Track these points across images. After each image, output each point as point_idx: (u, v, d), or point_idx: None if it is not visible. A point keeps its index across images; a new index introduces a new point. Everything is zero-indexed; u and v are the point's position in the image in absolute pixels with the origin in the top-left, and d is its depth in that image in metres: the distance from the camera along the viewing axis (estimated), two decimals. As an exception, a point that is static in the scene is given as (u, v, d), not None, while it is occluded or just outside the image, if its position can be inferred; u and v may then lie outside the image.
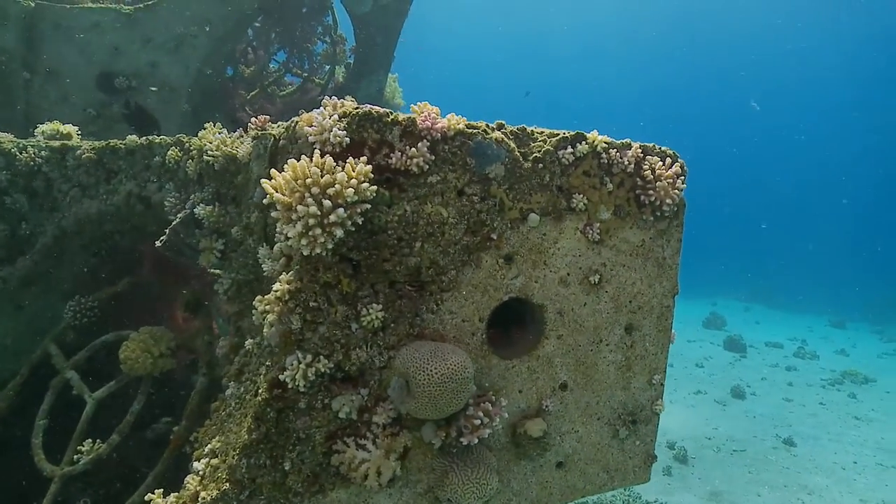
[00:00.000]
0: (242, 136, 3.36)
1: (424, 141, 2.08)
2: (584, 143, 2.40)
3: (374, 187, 1.92)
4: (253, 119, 2.94)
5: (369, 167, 1.91)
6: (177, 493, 2.35)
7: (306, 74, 10.01)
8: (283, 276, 2.08)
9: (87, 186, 4.15)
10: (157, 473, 3.15)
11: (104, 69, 7.07)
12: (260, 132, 2.93)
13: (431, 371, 2.00)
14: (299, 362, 2.03)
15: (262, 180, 1.94)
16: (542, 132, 2.41)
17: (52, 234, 4.16)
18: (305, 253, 1.88)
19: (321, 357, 2.07)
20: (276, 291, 2.08)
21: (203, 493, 2.19)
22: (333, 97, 2.15)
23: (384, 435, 2.17)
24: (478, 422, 2.17)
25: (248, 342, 2.54)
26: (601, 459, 2.71)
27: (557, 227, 2.40)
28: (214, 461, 2.34)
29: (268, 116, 2.96)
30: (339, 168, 1.89)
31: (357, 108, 2.07)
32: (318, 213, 1.79)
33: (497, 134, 2.27)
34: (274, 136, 2.66)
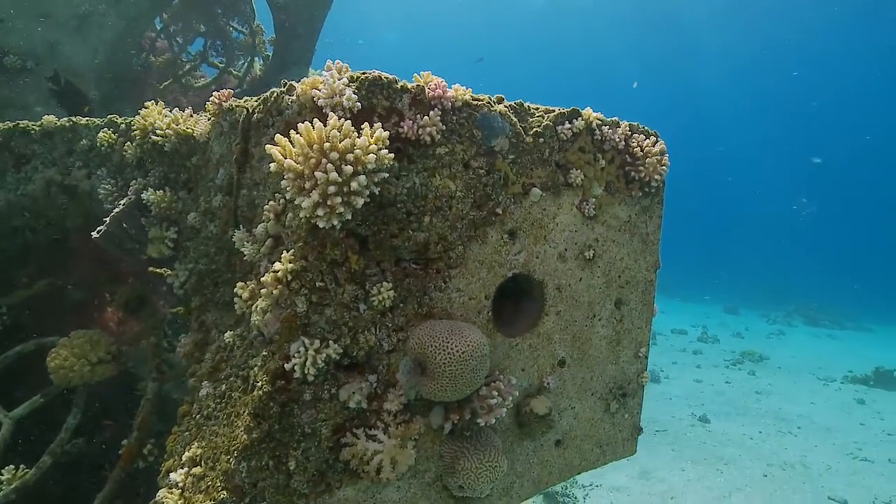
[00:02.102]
0: (193, 115, 3.05)
1: (436, 110, 1.98)
2: (579, 119, 2.41)
3: (392, 155, 1.80)
4: (215, 94, 2.66)
5: (386, 133, 1.78)
6: (150, 512, 2.06)
7: (223, 65, 9.40)
8: (285, 255, 1.88)
9: (-7, 173, 3.58)
10: (106, 496, 2.75)
11: (-9, 45, 6.17)
12: (223, 108, 2.67)
13: (452, 349, 1.91)
14: (306, 349, 1.85)
15: (268, 146, 1.75)
16: (538, 108, 2.40)
17: (-51, 230, 3.55)
18: (322, 225, 1.71)
19: (329, 342, 1.89)
20: (277, 272, 1.88)
21: (189, 506, 1.93)
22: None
23: (396, 423, 2.03)
24: (493, 401, 2.10)
25: (228, 335, 2.29)
26: (595, 435, 2.74)
27: (556, 203, 2.40)
28: (197, 470, 2.08)
29: (231, 91, 2.70)
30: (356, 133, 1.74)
31: (364, 73, 1.93)
32: (339, 179, 1.63)
33: (501, 107, 2.22)
34: (246, 109, 2.43)
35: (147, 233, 3.00)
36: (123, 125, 3.32)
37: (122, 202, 2.95)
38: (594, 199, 2.49)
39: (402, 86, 1.97)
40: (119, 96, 6.76)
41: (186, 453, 2.19)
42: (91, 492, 3.84)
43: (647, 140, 2.60)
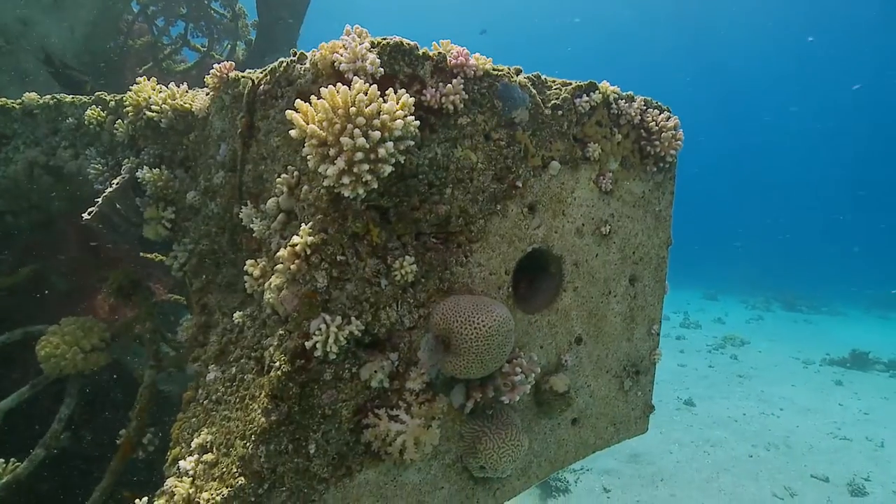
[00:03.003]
0: (189, 91, 2.91)
1: (458, 78, 1.90)
2: (596, 92, 2.36)
3: (418, 122, 1.72)
4: (216, 66, 2.53)
5: (413, 100, 1.70)
6: (161, 502, 1.97)
7: (205, 49, 9.10)
8: (304, 228, 1.79)
9: (-27, 152, 3.39)
10: (105, 488, 2.63)
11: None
12: (224, 81, 2.54)
13: (479, 324, 1.85)
14: (327, 326, 1.77)
15: (289, 112, 1.65)
16: (555, 81, 2.34)
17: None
18: (347, 194, 1.62)
19: (351, 318, 1.82)
20: (295, 246, 1.79)
21: (204, 495, 1.84)
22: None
23: (419, 402, 1.97)
24: (517, 378, 2.05)
25: (237, 315, 2.19)
26: (609, 413, 2.72)
27: (574, 177, 2.34)
28: (208, 457, 1.99)
29: (232, 63, 2.57)
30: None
31: (384, 38, 1.84)
32: (367, 146, 1.54)
33: (521, 78, 2.15)
34: (252, 80, 2.31)
35: (142, 213, 2.87)
36: (113, 102, 3.16)
37: (115, 181, 2.80)
38: (611, 174, 2.45)
39: (423, 53, 1.89)
40: (98, 79, 6.48)
41: (196, 440, 2.09)
42: (81, 486, 3.71)
43: (661, 115, 2.55)
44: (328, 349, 1.75)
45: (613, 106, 2.42)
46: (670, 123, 2.54)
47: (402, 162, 1.75)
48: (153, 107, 2.76)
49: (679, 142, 2.55)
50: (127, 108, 2.89)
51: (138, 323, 3.08)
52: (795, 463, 9.00)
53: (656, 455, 9.45)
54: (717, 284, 27.16)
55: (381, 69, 1.76)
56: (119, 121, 3.03)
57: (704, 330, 18.82)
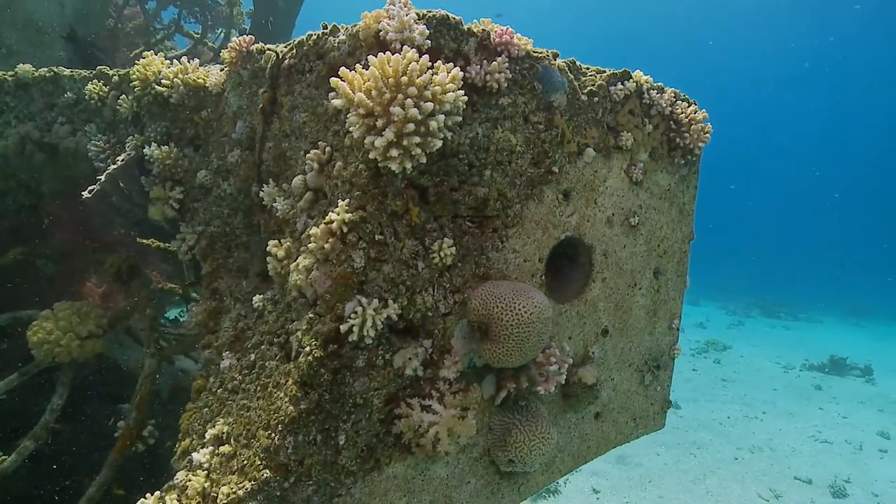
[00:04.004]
0: (200, 67, 2.78)
1: (503, 56, 1.82)
2: (630, 80, 2.31)
3: (466, 98, 1.63)
4: (234, 40, 2.42)
5: (461, 74, 1.61)
6: (172, 497, 1.85)
7: (198, 35, 8.87)
8: (341, 205, 1.69)
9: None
10: (103, 483, 2.48)
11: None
12: (243, 55, 2.43)
13: (520, 310, 1.77)
14: (364, 309, 1.67)
15: (334, 80, 1.55)
16: (589, 68, 2.28)
17: None
18: (395, 168, 1.53)
19: (388, 301, 1.72)
20: (330, 223, 1.69)
21: (223, 489, 1.73)
22: None
23: (452, 391, 1.88)
24: (552, 368, 1.98)
25: (257, 298, 2.08)
26: (630, 407, 2.67)
27: (607, 165, 2.29)
28: (225, 448, 1.88)
29: (252, 37, 2.46)
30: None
31: (429, 11, 1.76)
32: (419, 117, 1.46)
33: (559, 62, 2.09)
34: (276, 53, 2.20)
35: (146, 193, 2.73)
36: (116, 77, 3.00)
37: (119, 158, 2.66)
38: (641, 164, 2.40)
39: (468, 28, 1.81)
40: (88, 59, 6.24)
41: (210, 431, 1.98)
42: (59, 482, 3.52)
43: (690, 108, 2.52)
44: (365, 333, 1.66)
45: (645, 96, 2.38)
46: (699, 116, 2.51)
47: (448, 139, 1.67)
48: (163, 81, 2.63)
49: (708, 135, 2.52)
50: (133, 83, 2.74)
51: (138, 310, 2.93)
52: (779, 465, 9.13)
53: (643, 457, 9.49)
54: (698, 290, 27.56)
55: (429, 41, 1.67)
56: (123, 96, 2.89)
57: (687, 334, 19.06)
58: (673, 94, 2.48)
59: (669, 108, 2.45)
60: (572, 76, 2.14)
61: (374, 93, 1.49)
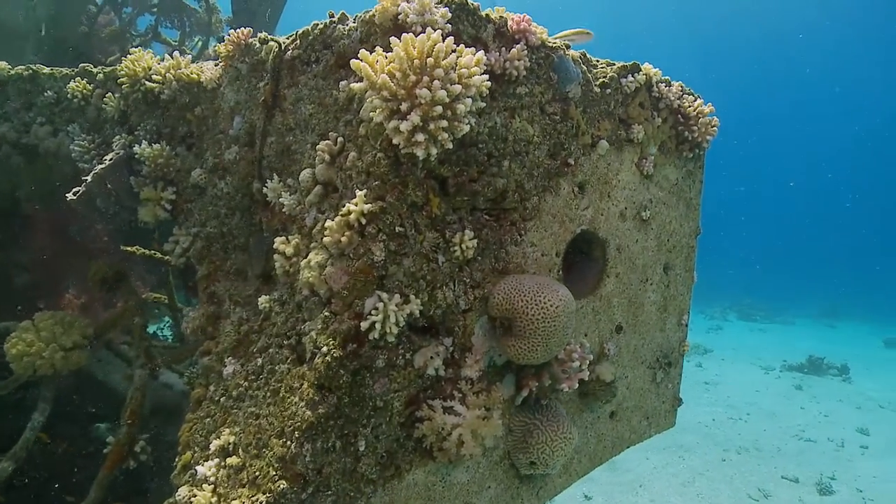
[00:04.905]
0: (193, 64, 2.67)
1: (521, 44, 1.77)
2: (640, 73, 2.29)
3: (489, 83, 1.57)
4: (232, 32, 2.32)
5: (484, 58, 1.55)
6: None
7: (175, 42, 8.69)
8: (359, 196, 1.60)
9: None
10: (94, 502, 2.31)
11: None
12: (241, 48, 2.33)
13: (545, 304, 1.70)
14: (385, 305, 1.58)
15: (354, 62, 1.47)
16: (599, 60, 2.26)
17: None
18: (420, 154, 1.45)
19: (410, 297, 1.64)
20: (347, 215, 1.60)
21: (234, 503, 1.61)
22: None
23: (474, 391, 1.80)
24: (575, 364, 1.92)
25: (263, 300, 1.97)
26: (643, 406, 2.62)
27: (619, 158, 2.25)
28: (233, 460, 1.75)
29: (251, 29, 2.37)
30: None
31: None
32: (446, 99, 1.39)
33: (574, 53, 2.05)
34: (279, 44, 2.12)
35: (136, 195, 2.59)
36: (101, 75, 2.87)
37: (107, 157, 2.52)
38: (652, 157, 2.37)
39: (486, 14, 1.76)
40: (63, 64, 6.02)
41: (215, 442, 1.85)
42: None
43: (697, 101, 2.51)
44: (387, 330, 1.57)
45: (654, 89, 2.35)
46: (706, 109, 2.50)
47: (472, 125, 1.60)
48: (154, 77, 2.51)
49: (715, 128, 2.52)
50: (121, 80, 2.62)
51: (126, 319, 2.77)
52: (766, 465, 9.21)
53: (632, 462, 9.47)
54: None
55: (450, 25, 1.61)
56: (109, 94, 2.75)
57: (667, 339, 19.24)
58: (680, 88, 2.46)
59: (678, 102, 2.43)
60: (584, 67, 2.11)
61: (398, 75, 1.41)
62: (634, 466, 9.33)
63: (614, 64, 2.25)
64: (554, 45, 1.95)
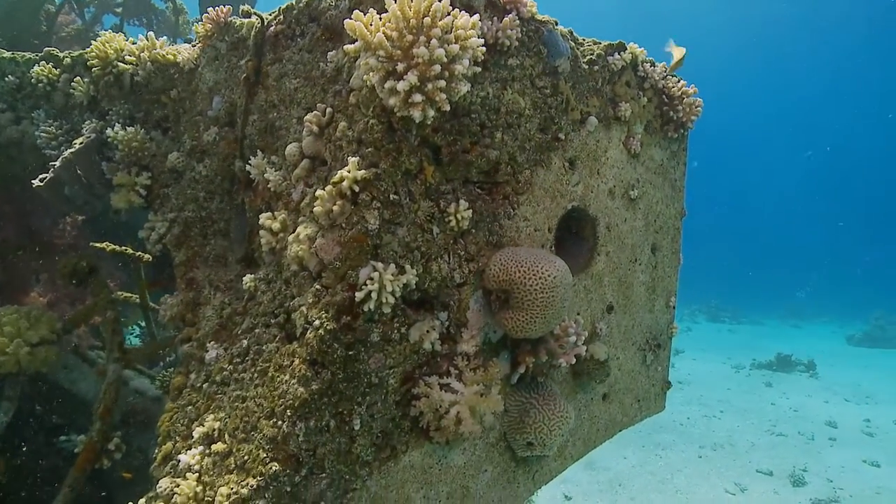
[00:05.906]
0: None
1: (513, 14, 1.76)
2: (626, 51, 2.30)
3: (484, 47, 1.55)
4: (210, 10, 2.24)
5: (479, 21, 1.53)
6: None
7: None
8: (351, 162, 1.55)
9: None
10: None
11: None
12: (220, 26, 2.26)
13: (544, 274, 1.67)
14: (380, 275, 1.53)
15: (348, 22, 1.42)
16: (585, 39, 2.26)
17: None
18: (416, 116, 1.41)
19: (405, 267, 1.59)
20: (339, 183, 1.54)
21: (221, 490, 1.52)
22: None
23: (471, 367, 1.75)
24: (572, 339, 1.89)
25: (248, 279, 1.88)
26: (634, 388, 2.61)
27: (607, 136, 2.26)
28: (219, 447, 1.66)
29: (230, 7, 2.29)
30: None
31: None
32: (444, 59, 1.35)
33: (561, 28, 2.05)
34: (261, 18, 2.05)
35: (108, 181, 2.47)
36: (69, 59, 2.74)
37: (77, 142, 2.39)
38: (639, 136, 2.39)
39: (476, -20, 1.74)
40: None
41: (198, 430, 1.75)
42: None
43: (681, 82, 2.55)
44: (383, 300, 1.51)
45: (640, 68, 2.38)
46: (690, 90, 2.54)
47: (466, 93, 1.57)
48: (128, 58, 2.41)
49: (699, 108, 2.55)
50: (92, 62, 2.50)
51: (96, 312, 2.62)
52: (741, 460, 9.38)
53: (610, 461, 9.52)
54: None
55: (443, -11, 1.58)
56: (77, 79, 2.63)
57: (641, 341, 19.54)
58: (664, 69, 2.49)
59: (662, 82, 2.46)
60: (573, 44, 2.11)
61: (394, 34, 1.37)
62: (612, 465, 9.37)
63: (600, 42, 2.26)
64: (544, 20, 1.94)
